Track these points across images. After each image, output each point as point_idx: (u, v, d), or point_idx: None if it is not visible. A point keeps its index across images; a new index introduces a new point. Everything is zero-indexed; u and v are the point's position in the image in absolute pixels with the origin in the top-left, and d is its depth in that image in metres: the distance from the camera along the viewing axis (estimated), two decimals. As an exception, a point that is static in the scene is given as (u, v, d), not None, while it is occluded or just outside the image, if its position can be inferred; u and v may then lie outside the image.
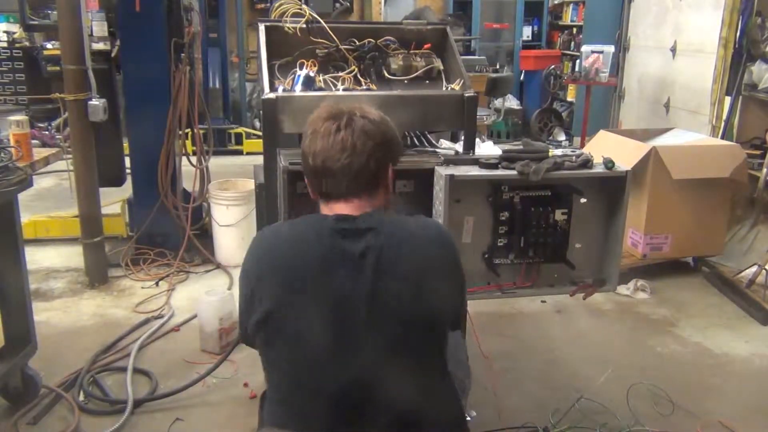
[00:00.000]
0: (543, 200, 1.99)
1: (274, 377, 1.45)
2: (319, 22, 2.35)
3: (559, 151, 2.04)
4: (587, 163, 1.99)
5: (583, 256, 2.11)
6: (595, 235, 2.11)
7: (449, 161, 2.00)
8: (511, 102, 7.88)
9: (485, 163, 1.96)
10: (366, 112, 1.45)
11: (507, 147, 2.15)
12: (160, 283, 3.61)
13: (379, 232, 1.37)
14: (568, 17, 8.31)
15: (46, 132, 6.19)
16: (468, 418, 1.74)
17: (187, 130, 3.83)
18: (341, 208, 1.43)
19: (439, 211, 1.93)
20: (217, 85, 7.04)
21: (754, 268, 3.57)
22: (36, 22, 7.03)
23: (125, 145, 3.94)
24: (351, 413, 1.36)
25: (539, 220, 2.00)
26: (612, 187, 2.06)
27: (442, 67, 2.50)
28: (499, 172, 1.94)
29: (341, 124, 1.40)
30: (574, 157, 2.00)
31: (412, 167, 2.15)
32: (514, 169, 1.93)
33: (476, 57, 7.50)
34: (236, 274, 3.76)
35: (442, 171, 1.91)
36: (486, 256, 2.05)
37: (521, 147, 2.09)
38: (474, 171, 1.94)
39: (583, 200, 2.05)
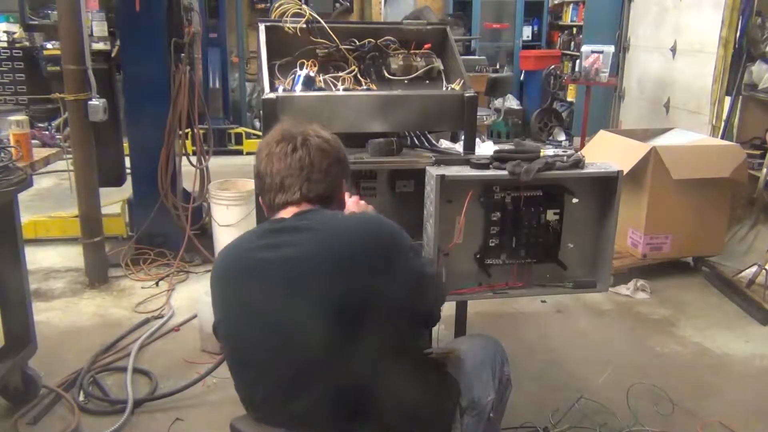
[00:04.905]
0: (534, 200, 1.99)
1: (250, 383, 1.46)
2: (319, 22, 2.35)
3: (550, 152, 2.04)
4: (578, 163, 1.99)
5: (575, 256, 2.11)
6: (587, 235, 2.11)
7: (440, 161, 2.00)
8: (511, 102, 7.88)
9: (476, 163, 1.96)
10: (319, 132, 1.49)
11: (498, 147, 2.14)
12: (160, 283, 3.61)
13: (304, 228, 1.39)
14: (568, 17, 8.31)
15: (46, 132, 6.19)
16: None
17: (187, 130, 3.83)
18: (286, 213, 1.46)
19: (430, 212, 1.93)
20: (217, 85, 7.04)
21: (754, 268, 3.57)
22: (36, 22, 7.07)
23: (125, 145, 3.94)
24: (339, 415, 1.36)
25: (531, 221, 2.00)
26: (604, 188, 2.05)
27: (442, 67, 2.50)
28: (491, 172, 1.94)
29: (297, 144, 1.45)
30: (565, 158, 2.00)
31: (411, 167, 2.15)
32: (505, 169, 1.93)
33: (476, 57, 7.50)
34: (236, 274, 3.77)
35: (433, 171, 1.91)
36: (478, 256, 2.05)
37: (513, 147, 2.10)
38: (465, 171, 1.94)
39: (575, 200, 2.04)
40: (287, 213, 1.46)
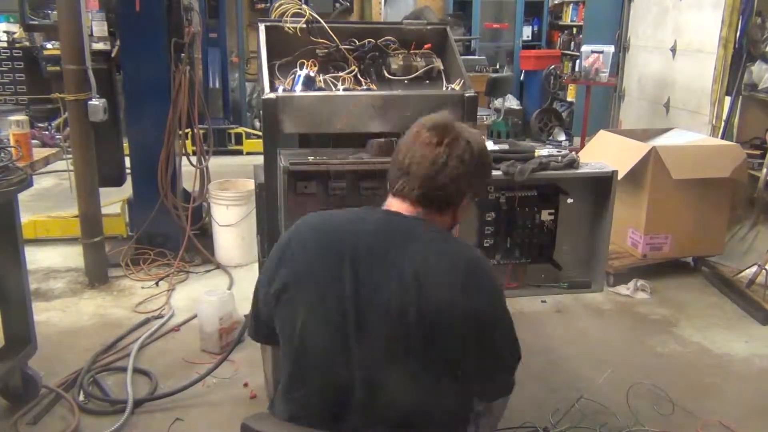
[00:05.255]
0: (529, 201, 1.99)
1: (284, 366, 1.45)
2: (319, 22, 2.35)
3: (545, 152, 2.03)
4: (573, 163, 1.99)
5: (570, 256, 2.10)
6: (582, 235, 2.10)
7: None
8: (511, 102, 7.88)
9: None
10: (471, 136, 1.43)
11: (493, 147, 2.14)
12: (160, 283, 3.61)
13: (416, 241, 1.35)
14: (568, 17, 8.31)
15: (46, 132, 6.20)
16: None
17: (187, 130, 3.83)
18: (398, 206, 1.43)
19: None
20: (217, 85, 7.04)
21: (754, 268, 3.57)
22: (36, 22, 7.03)
23: (125, 145, 3.94)
24: (349, 409, 1.36)
25: (525, 221, 2.00)
26: (599, 188, 2.05)
27: (442, 67, 2.50)
28: None
29: (444, 140, 1.40)
30: (559, 158, 1.99)
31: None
32: (499, 169, 1.92)
33: (476, 57, 7.50)
34: (236, 274, 3.77)
35: None
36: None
37: (507, 147, 2.09)
38: None
39: (569, 200, 2.04)
40: (403, 209, 1.42)
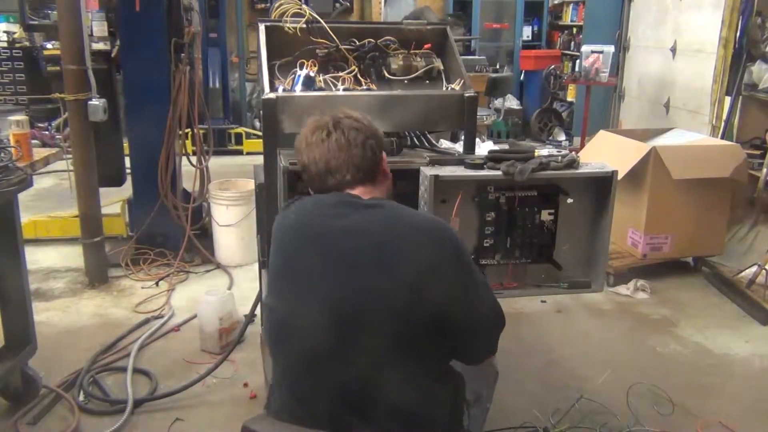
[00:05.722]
0: (529, 201, 1.98)
1: (277, 371, 1.48)
2: (319, 22, 2.35)
3: (545, 152, 2.03)
4: (573, 163, 1.98)
5: (570, 256, 2.09)
6: (582, 235, 2.09)
7: (435, 161, 2.00)
8: (511, 102, 7.88)
9: (471, 163, 1.95)
10: (348, 113, 1.57)
11: (493, 147, 2.14)
12: (160, 283, 3.61)
13: (383, 209, 1.45)
14: (568, 17, 8.31)
15: (46, 132, 6.20)
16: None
17: (187, 130, 3.83)
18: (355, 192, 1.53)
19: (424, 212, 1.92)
20: (217, 85, 7.04)
21: (754, 268, 3.57)
22: (36, 22, 7.08)
23: (125, 145, 3.94)
24: (348, 408, 1.37)
25: (525, 221, 1.99)
26: (599, 188, 2.04)
27: (442, 67, 2.50)
28: (485, 172, 1.93)
29: (330, 128, 1.53)
30: (559, 158, 1.99)
31: (408, 167, 2.15)
32: (499, 169, 1.92)
33: (476, 57, 7.50)
34: (236, 274, 3.77)
35: (427, 171, 1.90)
36: (472, 256, 2.04)
37: (507, 147, 2.09)
38: (459, 171, 1.93)
39: (569, 200, 2.04)
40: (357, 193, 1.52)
